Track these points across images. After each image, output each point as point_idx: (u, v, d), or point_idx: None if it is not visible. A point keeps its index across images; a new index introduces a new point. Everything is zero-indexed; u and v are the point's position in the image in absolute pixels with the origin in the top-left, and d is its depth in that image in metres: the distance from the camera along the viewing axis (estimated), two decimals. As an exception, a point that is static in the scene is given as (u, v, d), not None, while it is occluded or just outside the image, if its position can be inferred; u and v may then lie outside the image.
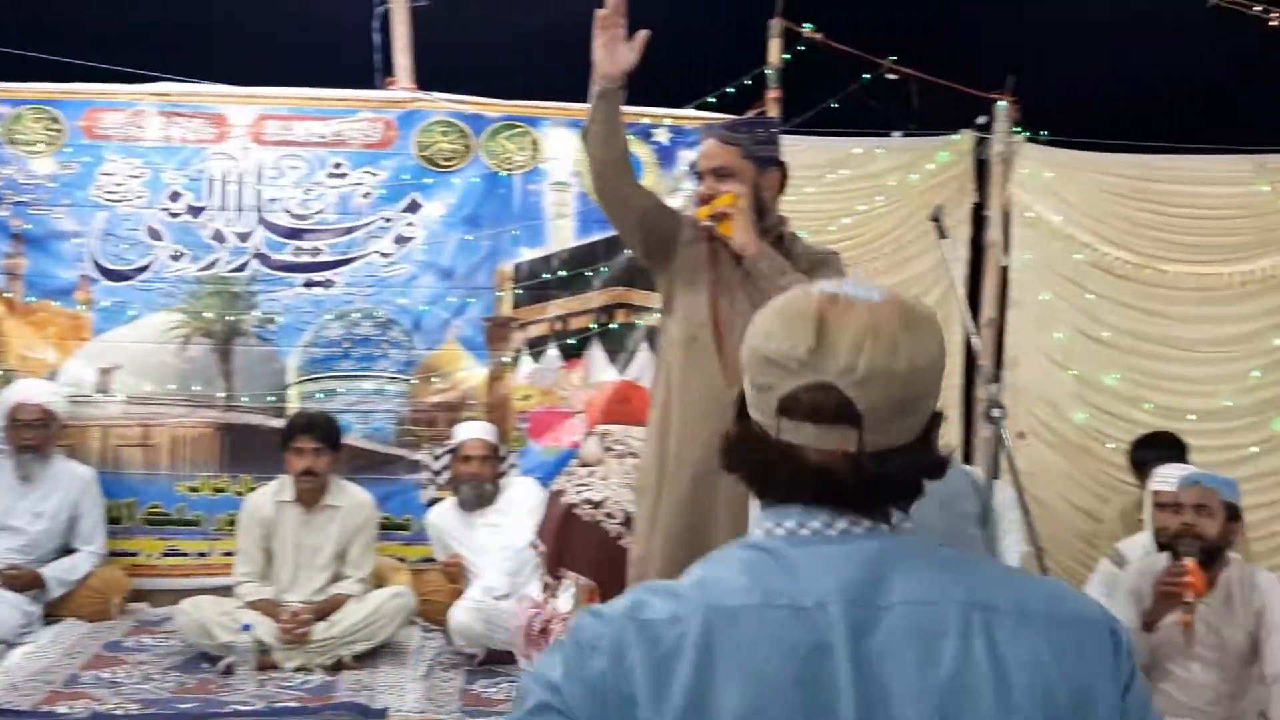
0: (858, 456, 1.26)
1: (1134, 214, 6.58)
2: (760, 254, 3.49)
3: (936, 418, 1.33)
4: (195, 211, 6.24)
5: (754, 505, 1.38)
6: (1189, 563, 3.82)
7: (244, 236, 6.26)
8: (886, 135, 6.60)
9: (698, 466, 3.53)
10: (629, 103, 6.32)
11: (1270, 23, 6.40)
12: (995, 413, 4.35)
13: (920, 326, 1.30)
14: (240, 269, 6.26)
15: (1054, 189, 6.59)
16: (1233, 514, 4.03)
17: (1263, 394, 6.55)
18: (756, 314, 1.38)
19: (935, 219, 4.64)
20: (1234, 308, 6.58)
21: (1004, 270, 6.73)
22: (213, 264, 6.25)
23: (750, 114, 6.05)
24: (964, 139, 6.68)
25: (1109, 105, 6.75)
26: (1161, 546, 4.59)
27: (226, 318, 6.25)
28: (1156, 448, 5.64)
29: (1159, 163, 6.60)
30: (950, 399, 6.68)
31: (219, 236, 6.25)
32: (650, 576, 3.66)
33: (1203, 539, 3.92)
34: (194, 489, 6.25)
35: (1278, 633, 3.93)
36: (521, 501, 5.81)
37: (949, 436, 6.72)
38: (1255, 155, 6.52)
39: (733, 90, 6.58)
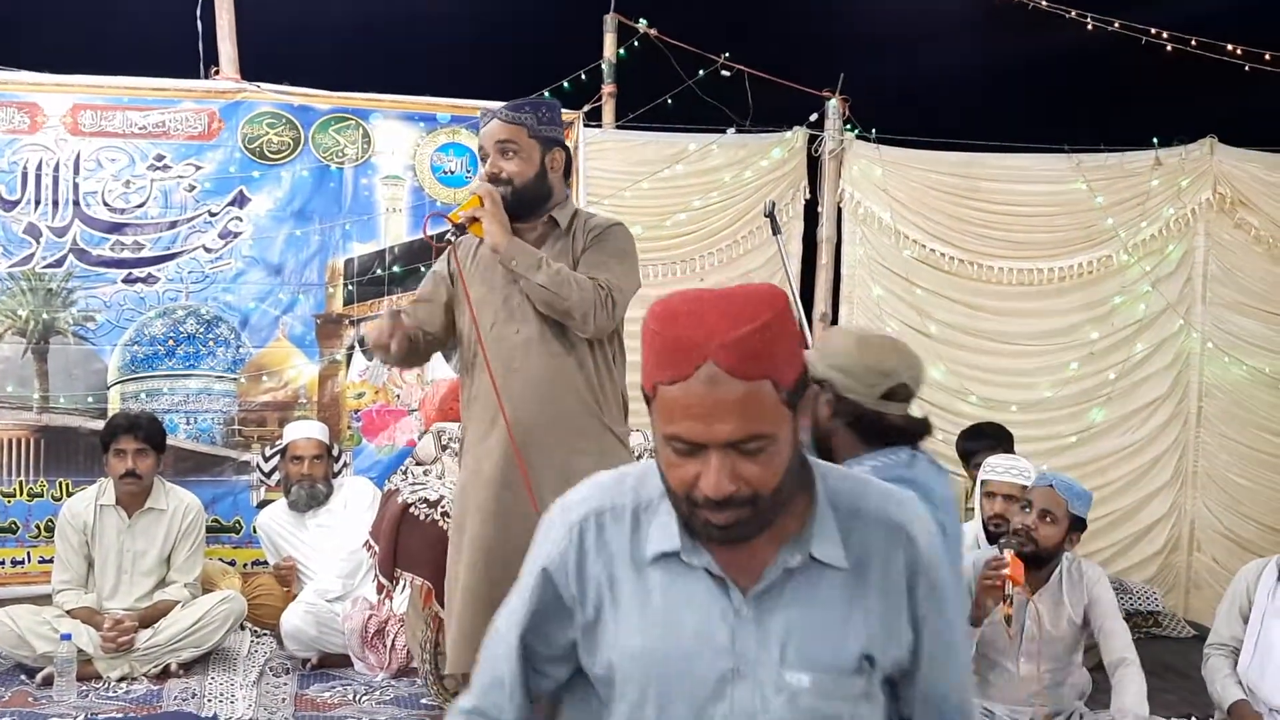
0: (921, 419, 2.69)
1: (959, 211, 6.76)
2: (511, 252, 3.51)
3: None
4: (8, 205, 5.98)
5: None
6: (1008, 554, 3.89)
7: (60, 231, 6.01)
8: (721, 131, 6.65)
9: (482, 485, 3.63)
10: (461, 96, 6.28)
11: (1088, 26, 6.63)
12: (828, 406, 4.43)
13: None
14: (56, 264, 6.02)
15: (883, 186, 6.72)
16: (1077, 525, 4.09)
17: (1080, 385, 6.80)
18: (848, 343, 2.70)
19: (769, 215, 4.70)
20: (1053, 302, 6.81)
21: (836, 265, 6.84)
22: (27, 259, 6.00)
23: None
24: (796, 136, 6.77)
25: (936, 104, 6.93)
26: (990, 535, 4.73)
27: (42, 315, 6.01)
28: (983, 438, 5.79)
29: (983, 161, 6.79)
30: (785, 393, 6.76)
31: (33, 231, 6.00)
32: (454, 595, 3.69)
33: (1036, 545, 3.98)
34: (8, 494, 5.99)
35: (1108, 623, 4.07)
36: (355, 501, 5.74)
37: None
38: (1073, 154, 6.75)
39: (568, 84, 6.56)
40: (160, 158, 6.10)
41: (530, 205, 3.60)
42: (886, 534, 1.76)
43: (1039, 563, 4.02)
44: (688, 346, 1.57)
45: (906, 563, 1.76)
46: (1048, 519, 4.01)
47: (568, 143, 6.36)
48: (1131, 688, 3.93)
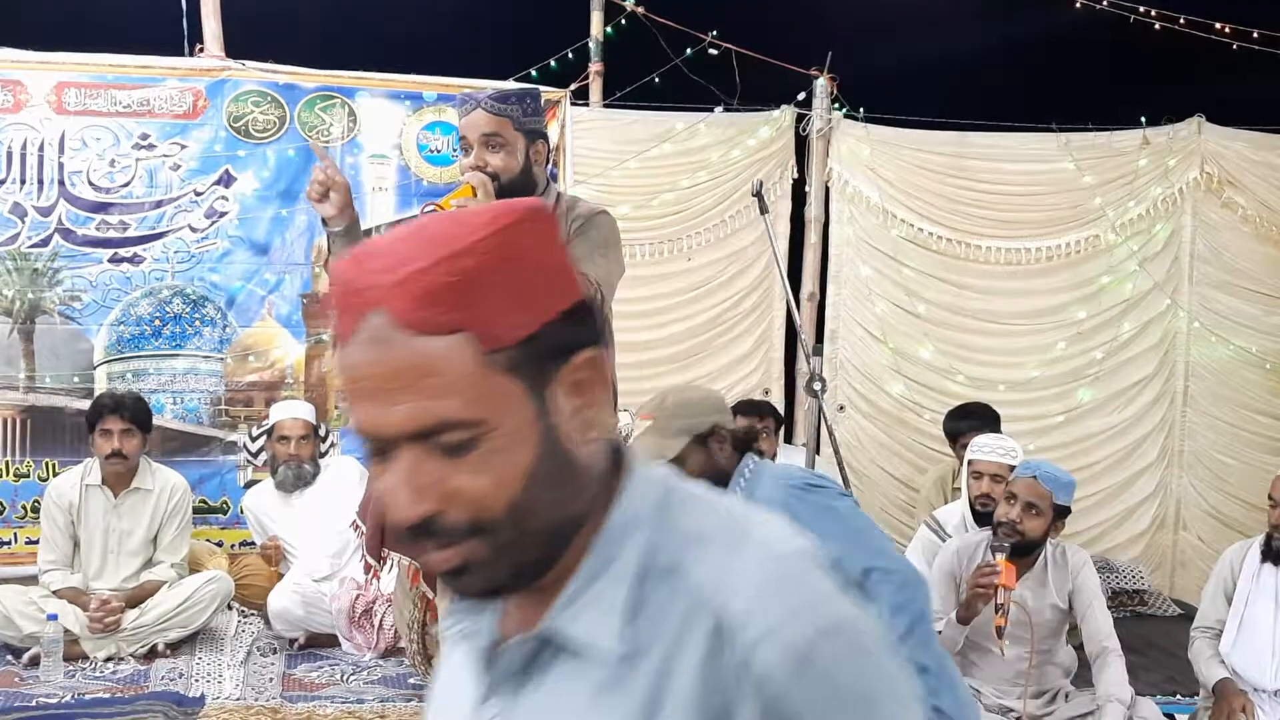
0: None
1: (948, 190, 6.76)
2: None
3: None
4: (-8, 184, 5.95)
5: None
6: (1000, 559, 3.85)
7: (45, 210, 5.98)
8: (709, 110, 6.63)
9: None
10: (448, 74, 6.24)
11: (1077, 5, 6.62)
12: (816, 386, 4.43)
13: None
14: (42, 244, 5.98)
15: (872, 165, 6.71)
16: (1061, 512, 4.06)
17: (1067, 365, 6.81)
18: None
19: (757, 194, 4.69)
20: (1040, 282, 6.82)
21: (824, 245, 6.84)
22: (12, 239, 5.96)
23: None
24: (785, 115, 6.75)
25: (924, 83, 6.91)
26: (976, 515, 4.74)
27: (28, 295, 5.98)
28: (971, 418, 5.81)
29: (971, 140, 6.78)
30: (773, 372, 6.78)
31: (19, 210, 5.96)
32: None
33: (1023, 536, 3.94)
34: (-6, 475, 5.98)
35: (1092, 610, 4.06)
36: (342, 481, 5.72)
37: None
38: (1061, 133, 6.74)
39: (555, 63, 6.53)
40: (145, 136, 6.06)
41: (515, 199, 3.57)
42: (685, 612, 1.00)
43: (1024, 550, 4.00)
44: (354, 291, 1.01)
45: (709, 665, 0.97)
46: (1032, 511, 3.96)
47: (554, 122, 6.38)
48: (1112, 673, 3.94)
